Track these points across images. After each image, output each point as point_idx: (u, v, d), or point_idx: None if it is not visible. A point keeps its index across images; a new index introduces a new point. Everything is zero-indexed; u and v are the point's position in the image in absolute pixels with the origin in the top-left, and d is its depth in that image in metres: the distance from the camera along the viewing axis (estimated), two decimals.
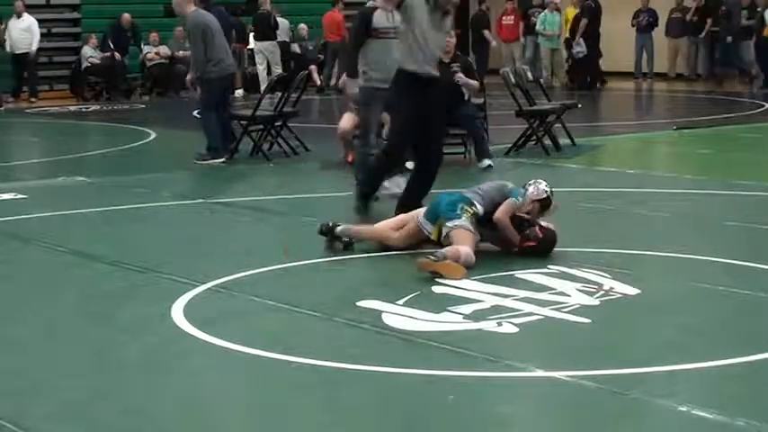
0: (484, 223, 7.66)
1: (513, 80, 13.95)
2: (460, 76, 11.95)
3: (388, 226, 7.98)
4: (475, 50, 24.22)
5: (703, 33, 24.48)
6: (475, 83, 12.18)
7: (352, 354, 5.63)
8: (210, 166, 12.66)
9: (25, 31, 22.00)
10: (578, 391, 5.09)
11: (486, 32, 24.62)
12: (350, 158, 11.92)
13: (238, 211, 9.90)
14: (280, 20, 23.53)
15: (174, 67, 23.58)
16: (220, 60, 12.86)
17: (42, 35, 22.84)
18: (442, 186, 8.95)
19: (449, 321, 6.15)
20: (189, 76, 13.45)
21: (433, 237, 7.66)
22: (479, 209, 7.64)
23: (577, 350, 5.74)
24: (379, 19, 9.89)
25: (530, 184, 7.83)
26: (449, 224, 7.55)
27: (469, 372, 5.33)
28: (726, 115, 14.94)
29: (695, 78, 24.86)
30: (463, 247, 7.34)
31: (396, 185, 9.58)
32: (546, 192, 7.81)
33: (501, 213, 7.69)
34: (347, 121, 11.90)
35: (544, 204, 7.81)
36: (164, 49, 23.78)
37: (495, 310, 6.33)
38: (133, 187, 11.20)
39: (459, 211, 7.57)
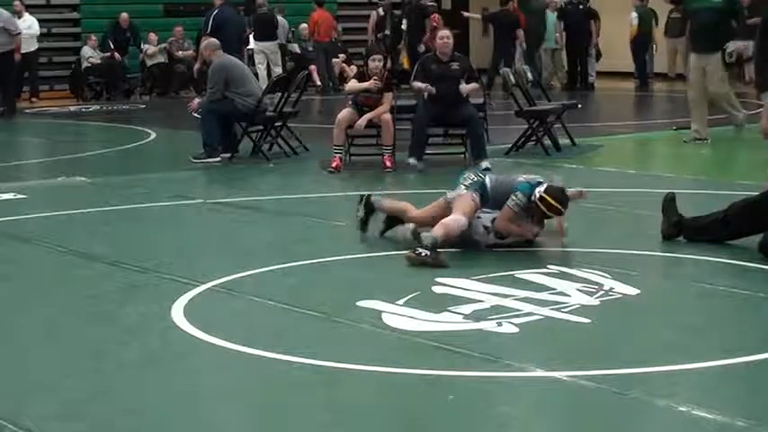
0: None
1: (513, 80, 13.95)
2: (463, 87, 11.88)
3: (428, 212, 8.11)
4: (498, 52, 22.50)
5: None
6: (475, 86, 12.11)
7: (352, 354, 5.63)
8: (209, 166, 12.65)
9: (26, 31, 21.94)
10: (578, 391, 5.09)
11: (519, 32, 23.37)
12: (335, 164, 11.91)
13: (238, 211, 9.89)
14: (279, 20, 23.48)
15: (174, 67, 23.57)
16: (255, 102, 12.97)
17: (42, 35, 22.78)
18: (441, 186, 8.93)
19: (449, 321, 6.15)
20: (197, 66, 13.37)
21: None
22: (484, 178, 7.93)
23: (577, 350, 5.74)
24: None
25: (540, 182, 7.82)
26: (451, 194, 7.85)
27: (469, 372, 5.33)
28: (726, 115, 14.91)
29: None
30: (451, 217, 7.58)
31: None
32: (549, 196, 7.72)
33: (500, 223, 7.76)
34: (346, 113, 12.11)
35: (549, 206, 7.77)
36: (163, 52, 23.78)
37: (495, 310, 6.33)
38: (133, 187, 11.20)
39: (461, 180, 7.90)
